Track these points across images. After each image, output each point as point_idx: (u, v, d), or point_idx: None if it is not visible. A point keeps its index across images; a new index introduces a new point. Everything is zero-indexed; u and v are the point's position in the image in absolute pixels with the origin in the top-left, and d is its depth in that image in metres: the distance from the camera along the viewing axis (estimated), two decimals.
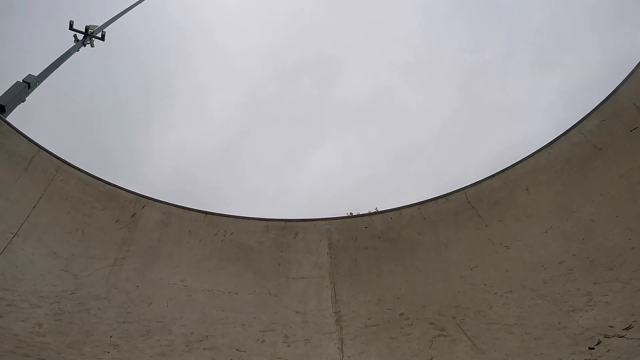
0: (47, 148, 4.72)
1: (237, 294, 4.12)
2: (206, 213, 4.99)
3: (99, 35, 10.27)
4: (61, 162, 4.75)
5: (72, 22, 9.76)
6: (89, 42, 9.94)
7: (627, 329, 2.50)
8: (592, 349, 2.49)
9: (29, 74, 6.79)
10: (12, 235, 3.89)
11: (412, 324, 3.37)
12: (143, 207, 4.83)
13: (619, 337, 2.48)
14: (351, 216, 6.00)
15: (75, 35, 9.62)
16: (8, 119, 5.05)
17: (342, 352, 3.20)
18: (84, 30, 9.81)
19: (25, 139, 4.66)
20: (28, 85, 6.60)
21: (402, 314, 3.55)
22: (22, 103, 6.48)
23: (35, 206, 4.26)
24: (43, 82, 7.29)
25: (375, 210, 7.76)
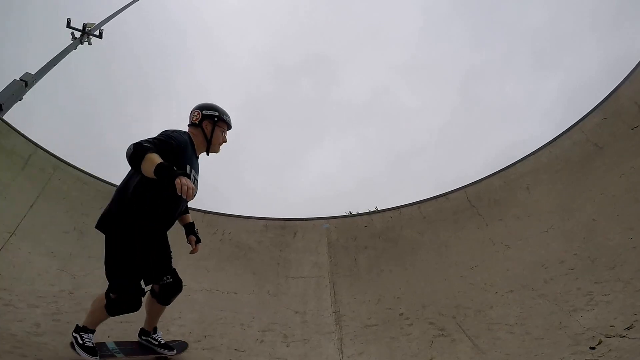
0: (44, 147, 4.71)
1: (236, 293, 4.10)
2: (205, 212, 4.97)
3: (97, 33, 10.20)
4: (59, 161, 4.73)
5: (70, 19, 9.70)
6: (86, 40, 9.86)
7: (629, 328, 2.48)
8: (593, 348, 2.47)
9: (26, 72, 6.74)
10: (9, 234, 3.86)
11: (412, 324, 3.35)
12: None
13: (620, 337, 2.46)
14: (350, 215, 5.98)
15: (72, 33, 9.55)
16: (5, 117, 5.02)
17: (342, 352, 3.17)
18: (81, 28, 9.75)
19: (22, 138, 4.64)
20: (25, 83, 6.56)
21: (402, 313, 3.53)
22: (20, 101, 6.43)
23: (32, 205, 4.23)
24: (40, 81, 7.23)
25: (374, 210, 7.74)
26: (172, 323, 3.51)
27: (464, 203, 4.56)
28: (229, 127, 2.73)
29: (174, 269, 2.64)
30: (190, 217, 2.93)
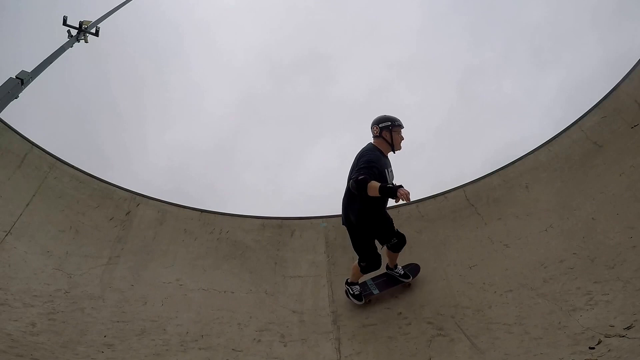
0: (40, 145, 4.68)
1: (233, 293, 4.07)
2: (202, 211, 4.95)
3: (93, 30, 10.11)
4: (55, 160, 4.70)
5: (66, 17, 9.60)
6: (82, 37, 9.77)
7: (628, 328, 2.47)
8: (593, 348, 2.46)
9: (22, 70, 6.66)
10: (5, 233, 3.84)
11: (410, 324, 3.34)
12: (138, 205, 4.78)
13: (620, 336, 2.45)
14: None
15: (69, 31, 9.44)
16: (0, 116, 4.97)
17: (339, 352, 3.16)
18: (77, 26, 9.66)
19: (18, 136, 4.61)
20: (21, 81, 6.49)
21: (400, 313, 3.52)
22: (15, 100, 6.37)
23: (28, 204, 4.20)
24: (36, 79, 7.17)
25: None
26: (169, 322, 3.49)
27: (462, 202, 4.54)
28: (402, 127, 3.42)
29: (397, 231, 3.54)
30: None
